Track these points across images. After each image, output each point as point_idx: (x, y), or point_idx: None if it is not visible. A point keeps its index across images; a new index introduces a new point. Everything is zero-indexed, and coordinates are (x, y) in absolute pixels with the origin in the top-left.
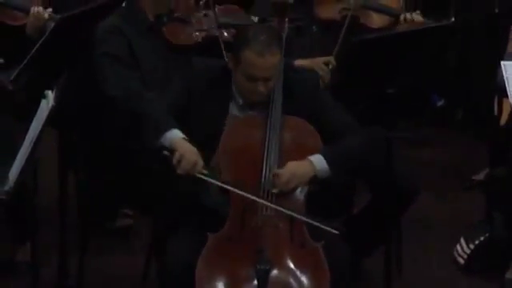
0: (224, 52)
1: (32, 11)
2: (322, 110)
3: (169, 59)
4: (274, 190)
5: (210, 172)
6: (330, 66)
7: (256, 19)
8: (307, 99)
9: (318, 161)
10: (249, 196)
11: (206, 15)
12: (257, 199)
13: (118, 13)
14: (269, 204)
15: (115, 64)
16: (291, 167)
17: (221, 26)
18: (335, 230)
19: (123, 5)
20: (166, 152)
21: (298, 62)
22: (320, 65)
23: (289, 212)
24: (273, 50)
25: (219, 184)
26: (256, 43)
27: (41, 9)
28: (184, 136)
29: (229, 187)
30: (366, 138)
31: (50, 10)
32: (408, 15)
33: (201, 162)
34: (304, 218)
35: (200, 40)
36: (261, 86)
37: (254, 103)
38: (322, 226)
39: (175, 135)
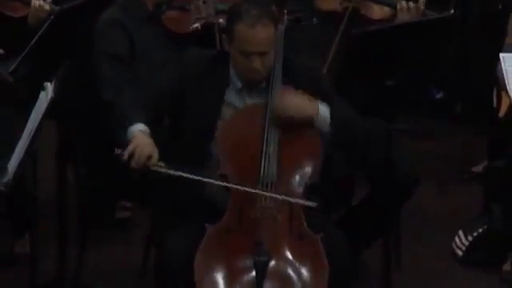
0: (217, 38)
1: (33, 3)
2: (326, 97)
3: (169, 47)
4: (273, 114)
5: (168, 165)
6: None
7: None
8: (308, 84)
9: (324, 109)
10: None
11: (204, 2)
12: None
13: (118, 4)
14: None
15: (114, 65)
16: (298, 93)
17: (219, 13)
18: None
19: None
20: (117, 150)
21: None
22: None
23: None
24: (264, 22)
25: (174, 174)
26: (247, 17)
27: (41, 1)
28: (143, 128)
29: (191, 176)
30: (368, 122)
31: (49, 0)
32: (404, 3)
33: (155, 155)
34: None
35: (199, 28)
36: (256, 61)
37: (252, 83)
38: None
39: (134, 129)
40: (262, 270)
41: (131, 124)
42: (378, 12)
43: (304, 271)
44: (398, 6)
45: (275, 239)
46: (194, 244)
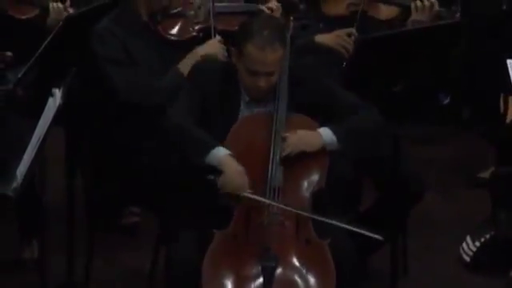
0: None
1: (52, 6)
2: (329, 93)
3: (165, 56)
4: (283, 153)
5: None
6: (353, 37)
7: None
8: (312, 83)
9: (325, 133)
10: (273, 203)
11: (199, 7)
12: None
13: (110, 17)
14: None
15: (116, 68)
16: (299, 132)
17: (216, 16)
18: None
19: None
20: (210, 176)
21: (319, 38)
22: (343, 36)
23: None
24: (275, 46)
25: (267, 202)
26: (258, 37)
27: (61, 4)
28: (230, 152)
29: (272, 202)
30: (373, 115)
31: (68, 3)
32: (419, 2)
33: (246, 184)
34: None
35: (195, 33)
36: (262, 80)
37: (257, 99)
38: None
39: (222, 153)
40: (269, 275)
41: (214, 147)
42: (386, 12)
43: (311, 277)
44: (413, 5)
45: (282, 245)
46: (202, 249)
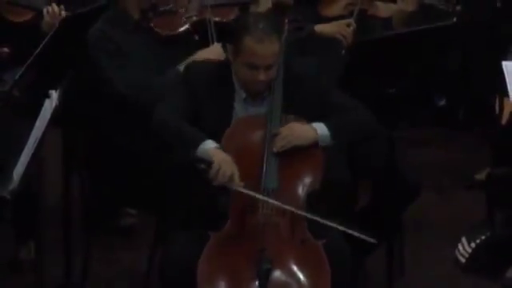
0: (212, 33)
1: (46, 10)
2: (325, 93)
3: (160, 53)
4: (275, 149)
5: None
6: (352, 28)
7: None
8: (308, 82)
9: (320, 127)
10: (266, 199)
11: (189, 1)
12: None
13: (104, 18)
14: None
15: (112, 62)
16: (292, 125)
17: (207, 7)
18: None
19: None
20: (202, 165)
21: (319, 28)
22: (342, 26)
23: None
24: (272, 38)
25: (259, 197)
26: (255, 30)
27: (56, 7)
28: (217, 145)
29: (265, 198)
30: (366, 114)
31: (62, 7)
32: None
33: (237, 174)
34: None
35: (189, 26)
36: (262, 74)
37: (256, 94)
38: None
39: (210, 145)
40: (264, 277)
41: (203, 141)
42: (386, 10)
43: (306, 278)
44: None
45: (278, 246)
46: (197, 251)
